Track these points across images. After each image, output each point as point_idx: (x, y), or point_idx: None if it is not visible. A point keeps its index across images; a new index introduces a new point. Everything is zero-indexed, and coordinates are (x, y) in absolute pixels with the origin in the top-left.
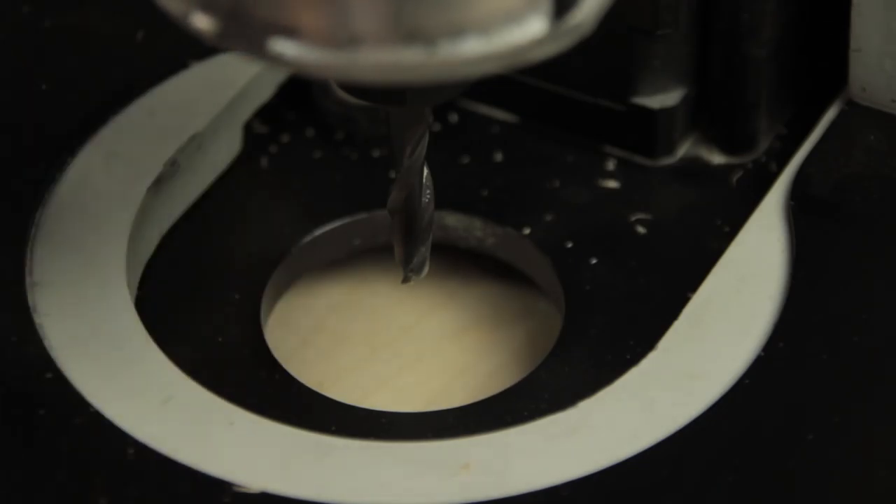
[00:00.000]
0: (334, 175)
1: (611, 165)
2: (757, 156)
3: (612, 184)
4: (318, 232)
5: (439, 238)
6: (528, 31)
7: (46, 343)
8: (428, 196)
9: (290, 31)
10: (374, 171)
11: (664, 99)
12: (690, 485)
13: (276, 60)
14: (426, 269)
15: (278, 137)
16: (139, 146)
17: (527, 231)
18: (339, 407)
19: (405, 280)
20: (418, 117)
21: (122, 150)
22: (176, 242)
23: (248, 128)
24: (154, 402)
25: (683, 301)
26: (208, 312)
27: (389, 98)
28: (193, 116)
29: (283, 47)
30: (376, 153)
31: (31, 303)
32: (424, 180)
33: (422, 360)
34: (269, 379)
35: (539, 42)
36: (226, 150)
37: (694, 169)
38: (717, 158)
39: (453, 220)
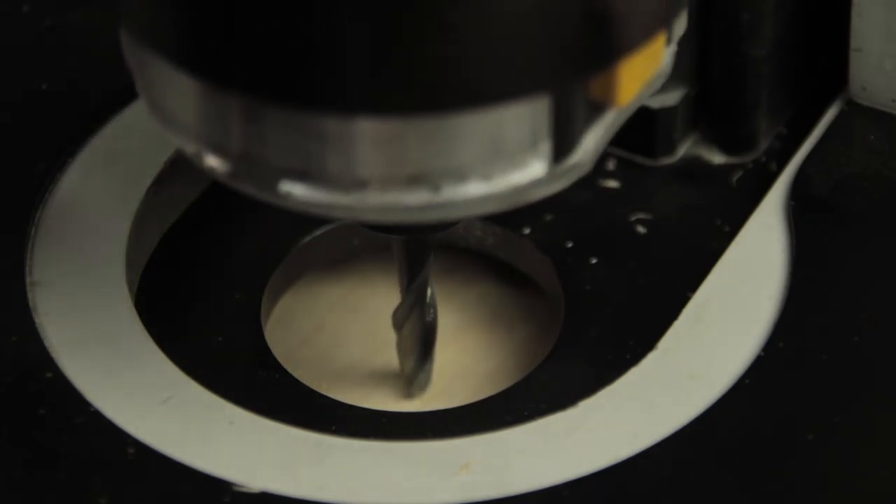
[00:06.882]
0: None
1: (611, 165)
2: (757, 156)
3: (612, 184)
4: (318, 232)
5: (439, 238)
6: (528, 174)
7: (46, 343)
8: (432, 315)
9: (299, 175)
10: None
11: (664, 99)
12: (690, 485)
13: (284, 200)
14: (430, 385)
15: None
16: (139, 146)
17: (527, 231)
18: (339, 407)
19: (409, 396)
20: (421, 244)
21: (122, 150)
22: (176, 242)
23: None
24: (154, 401)
25: (683, 301)
26: (208, 312)
27: (393, 229)
28: None
29: (293, 189)
30: None
31: (31, 303)
32: (428, 300)
33: None
34: (269, 379)
35: (539, 183)
36: None
37: (694, 169)
38: (717, 158)
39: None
